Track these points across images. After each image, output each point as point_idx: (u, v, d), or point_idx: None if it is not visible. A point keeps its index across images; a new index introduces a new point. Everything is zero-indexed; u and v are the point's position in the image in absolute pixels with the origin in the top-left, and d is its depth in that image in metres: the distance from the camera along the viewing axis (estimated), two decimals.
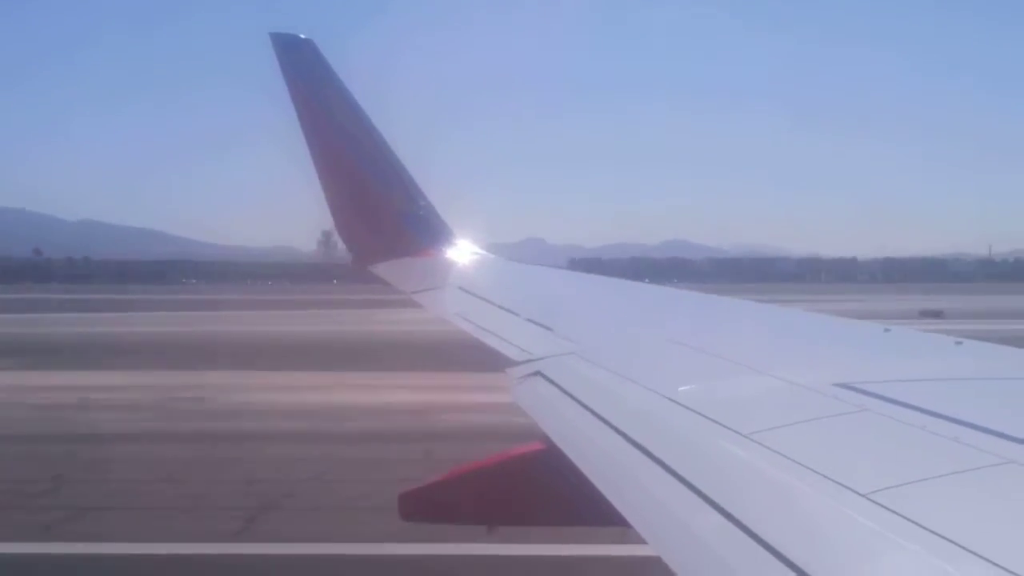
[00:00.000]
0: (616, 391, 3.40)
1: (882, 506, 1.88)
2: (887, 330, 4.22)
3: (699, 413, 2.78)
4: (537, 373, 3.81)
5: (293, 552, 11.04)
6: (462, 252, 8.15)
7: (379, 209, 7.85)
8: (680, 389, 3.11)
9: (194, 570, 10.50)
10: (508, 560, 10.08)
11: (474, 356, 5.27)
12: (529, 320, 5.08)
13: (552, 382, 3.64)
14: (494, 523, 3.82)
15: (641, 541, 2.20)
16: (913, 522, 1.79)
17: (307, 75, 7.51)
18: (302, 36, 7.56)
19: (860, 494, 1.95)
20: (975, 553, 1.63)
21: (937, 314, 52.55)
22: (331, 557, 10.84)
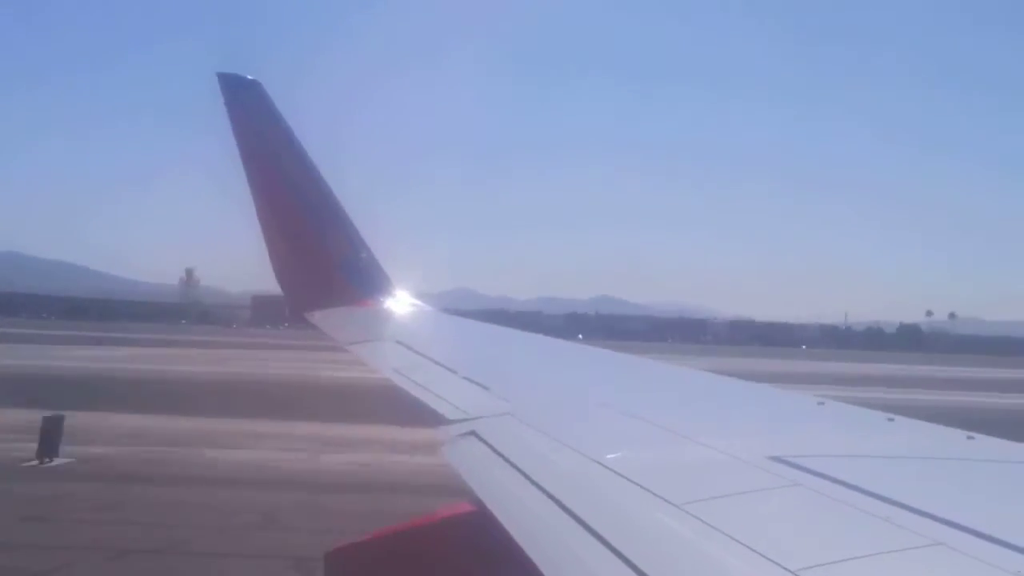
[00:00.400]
0: (550, 455, 3.36)
1: None
2: (821, 403, 4.29)
3: (632, 481, 2.76)
4: (471, 433, 3.76)
5: None
6: (401, 303, 8.05)
7: (319, 256, 7.72)
8: (615, 456, 3.09)
9: None
10: None
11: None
12: (466, 379, 5.04)
13: (485, 443, 3.60)
14: None
15: None
16: None
17: (253, 116, 7.43)
18: (249, 77, 7.50)
19: (790, 571, 1.94)
20: None
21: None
22: None
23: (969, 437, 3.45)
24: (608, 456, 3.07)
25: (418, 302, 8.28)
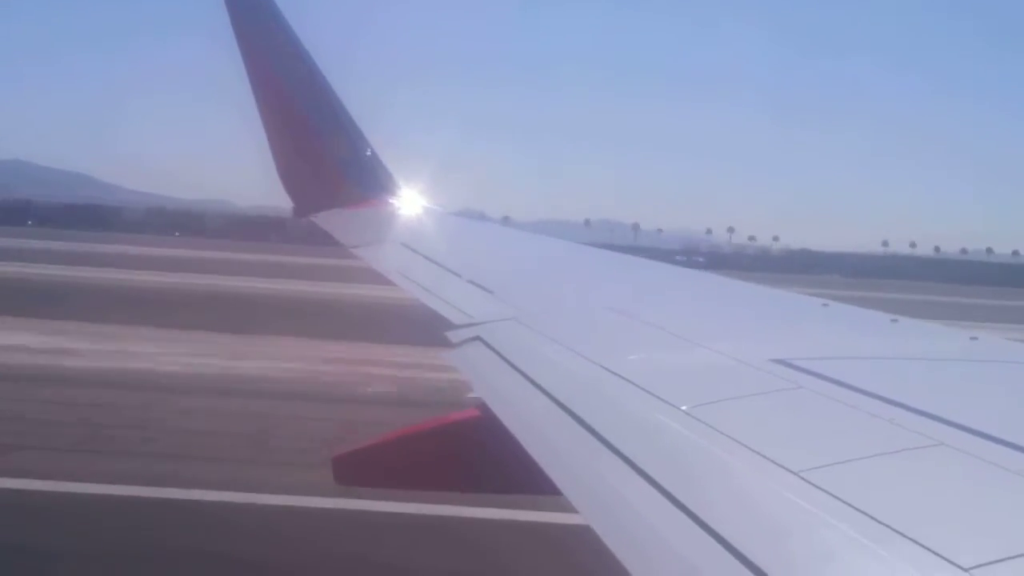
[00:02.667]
0: (554, 359, 3.38)
1: (812, 484, 1.89)
2: (825, 304, 4.28)
3: (636, 385, 2.77)
4: (477, 338, 3.77)
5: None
6: (406, 203, 7.96)
7: (322, 156, 7.64)
8: (619, 360, 3.10)
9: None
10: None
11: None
12: (471, 282, 5.01)
13: (491, 347, 3.61)
14: (428, 488, 3.78)
15: (573, 510, 2.20)
16: (842, 501, 1.80)
17: (254, 15, 7.31)
18: None
19: (791, 471, 1.96)
20: (902, 534, 1.65)
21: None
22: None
23: (972, 338, 3.46)
24: (612, 360, 3.08)
25: (424, 201, 8.19)
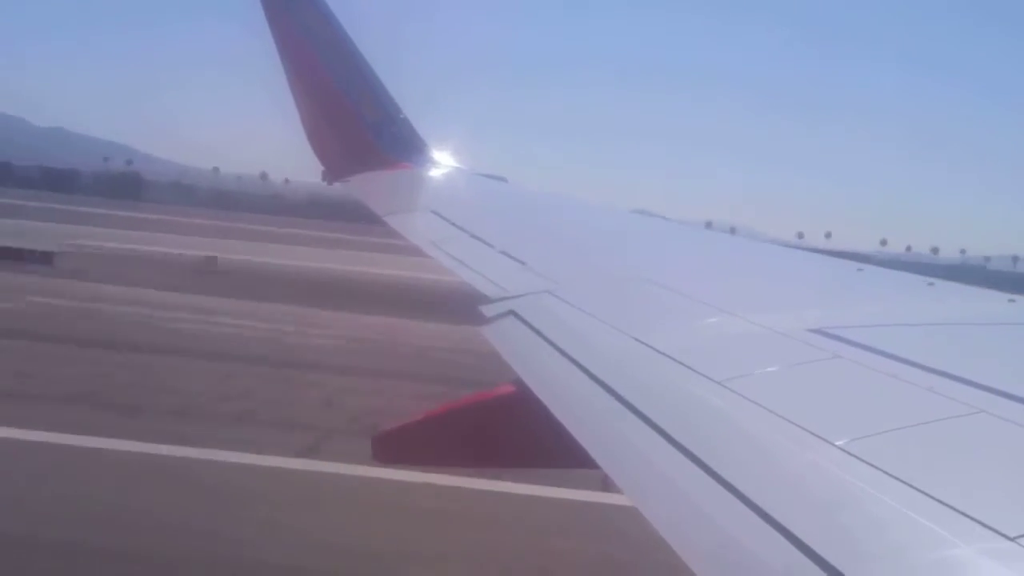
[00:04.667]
0: (589, 333, 3.36)
1: (854, 456, 1.88)
2: (860, 269, 4.20)
3: (673, 358, 2.76)
4: (511, 312, 3.76)
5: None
6: (436, 167, 7.87)
7: (351, 118, 7.58)
8: (654, 332, 3.09)
9: None
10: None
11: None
12: (503, 252, 4.98)
13: (525, 322, 3.60)
14: (463, 465, 3.80)
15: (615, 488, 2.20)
16: (884, 472, 1.80)
17: None
18: None
19: (833, 444, 1.95)
20: (945, 504, 1.64)
21: None
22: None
23: (1010, 300, 3.40)
24: (649, 333, 3.06)
25: (454, 163, 8.10)
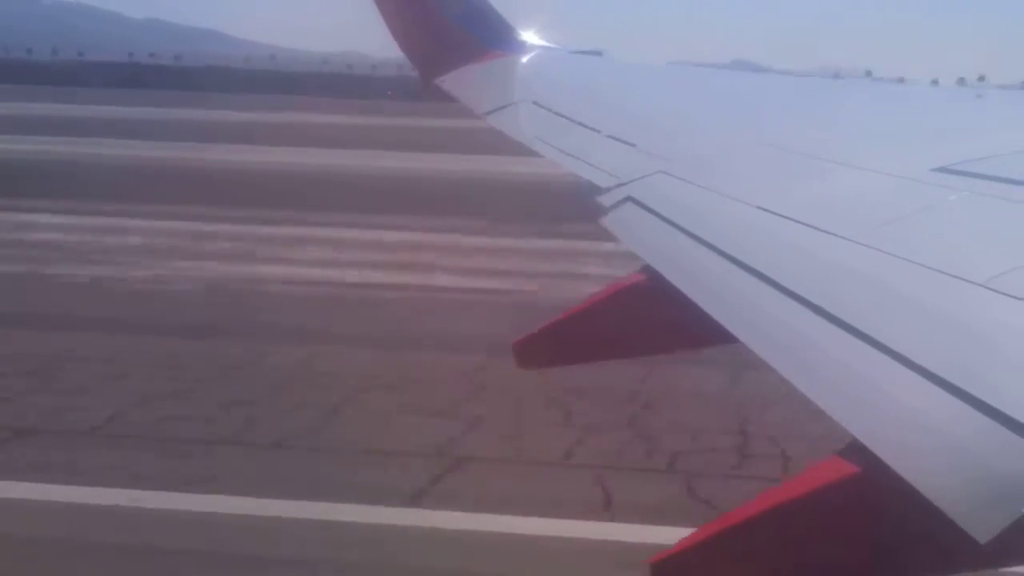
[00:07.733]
0: (710, 208, 3.33)
1: (1003, 293, 1.82)
2: (979, 96, 3.98)
3: (799, 221, 2.72)
4: (628, 198, 3.75)
5: None
6: (528, 50, 7.54)
7: (435, 9, 7.28)
8: (776, 197, 3.04)
9: None
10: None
11: None
12: (611, 137, 4.89)
13: (643, 206, 3.59)
14: (604, 359, 3.84)
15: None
16: None
17: None
18: None
19: (979, 283, 1.89)
20: None
21: None
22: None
23: None
24: (769, 199, 3.02)
25: (547, 43, 7.79)
